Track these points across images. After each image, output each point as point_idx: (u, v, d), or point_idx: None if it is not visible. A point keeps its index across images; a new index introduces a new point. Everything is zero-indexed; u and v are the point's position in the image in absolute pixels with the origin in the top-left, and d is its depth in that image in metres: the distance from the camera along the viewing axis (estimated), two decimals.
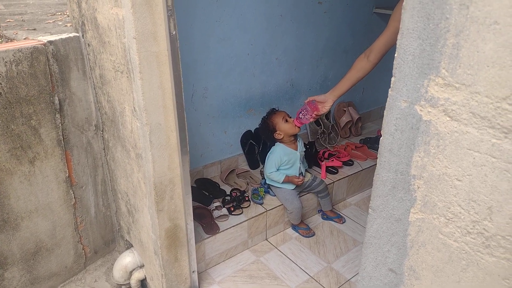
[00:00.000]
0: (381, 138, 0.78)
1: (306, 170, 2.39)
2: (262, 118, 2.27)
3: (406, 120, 0.72)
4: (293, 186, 2.22)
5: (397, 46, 0.70)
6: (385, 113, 0.76)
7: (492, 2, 0.55)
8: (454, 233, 0.69)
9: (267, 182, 2.31)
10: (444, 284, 0.74)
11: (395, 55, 0.70)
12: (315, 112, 1.86)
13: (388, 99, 0.74)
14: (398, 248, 0.81)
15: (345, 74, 1.80)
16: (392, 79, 0.72)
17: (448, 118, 0.65)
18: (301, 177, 2.22)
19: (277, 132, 2.17)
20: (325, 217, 2.38)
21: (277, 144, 2.21)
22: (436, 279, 0.75)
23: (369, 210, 0.86)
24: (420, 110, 0.69)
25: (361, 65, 1.71)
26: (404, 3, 0.67)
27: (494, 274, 0.65)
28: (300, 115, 1.96)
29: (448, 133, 0.66)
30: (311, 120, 1.94)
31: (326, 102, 1.84)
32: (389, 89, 0.73)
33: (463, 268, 0.69)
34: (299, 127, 2.09)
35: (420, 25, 0.65)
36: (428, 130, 0.68)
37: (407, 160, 0.74)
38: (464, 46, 0.60)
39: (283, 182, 2.20)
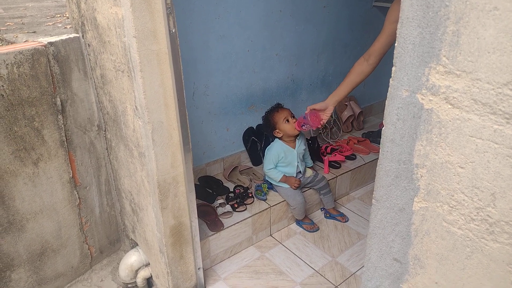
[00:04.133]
0: (383, 128, 0.78)
1: (311, 167, 2.39)
2: (266, 112, 2.27)
3: (408, 109, 0.72)
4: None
5: (397, 35, 0.70)
6: (386, 103, 0.76)
7: None
8: (458, 220, 0.69)
9: (266, 178, 2.32)
10: (448, 272, 0.74)
11: (395, 44, 0.71)
12: (320, 122, 1.87)
13: (389, 88, 0.74)
14: (402, 237, 0.81)
15: (345, 78, 1.79)
16: (393, 68, 0.72)
17: (449, 106, 0.65)
18: (299, 180, 2.21)
19: (277, 130, 2.18)
20: (328, 215, 2.37)
21: (276, 140, 2.22)
22: (440, 267, 0.75)
23: (373, 200, 0.86)
24: (422, 98, 0.69)
25: (361, 69, 1.72)
26: None
27: (498, 260, 0.65)
28: (304, 127, 1.96)
29: (450, 121, 0.66)
30: (314, 129, 1.95)
31: (327, 109, 1.85)
32: (390, 79, 0.73)
33: (467, 255, 0.70)
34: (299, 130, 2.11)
35: (420, 13, 0.65)
36: (430, 118, 0.69)
37: (410, 149, 0.74)
38: (464, 33, 0.60)
39: (279, 181, 2.21)
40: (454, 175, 0.68)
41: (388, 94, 0.75)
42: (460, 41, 0.61)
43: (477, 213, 0.66)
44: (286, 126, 2.14)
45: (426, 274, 0.79)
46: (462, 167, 0.66)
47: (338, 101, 1.83)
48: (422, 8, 0.64)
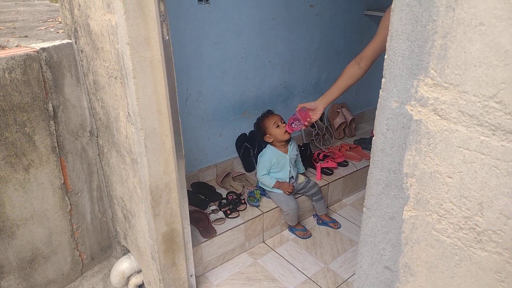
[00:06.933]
0: (373, 138, 0.80)
1: (303, 174, 2.41)
2: (257, 119, 2.29)
3: (397, 120, 0.73)
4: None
5: (386, 47, 0.71)
6: (376, 113, 0.77)
7: (477, 3, 0.57)
8: (447, 229, 0.71)
9: (259, 185, 2.32)
10: (438, 280, 0.75)
11: (385, 56, 0.72)
12: (307, 119, 1.88)
13: (379, 99, 0.76)
14: (393, 245, 0.83)
15: (336, 80, 1.80)
16: (383, 80, 0.74)
17: (438, 117, 0.66)
18: (292, 185, 2.23)
19: (267, 135, 2.19)
20: (320, 222, 2.38)
21: (268, 146, 2.24)
22: (430, 275, 0.76)
23: (364, 209, 0.87)
24: (411, 109, 0.70)
25: (352, 72, 1.73)
26: (392, 6, 0.68)
27: (486, 268, 0.66)
28: (293, 125, 1.97)
29: (438, 132, 0.67)
30: (303, 128, 1.96)
31: (317, 109, 1.86)
32: (380, 90, 0.75)
33: (456, 263, 0.71)
34: (289, 133, 2.11)
35: (409, 27, 0.67)
36: (419, 129, 0.70)
37: (399, 159, 0.75)
38: (452, 47, 0.61)
39: (273, 187, 2.21)
40: (443, 185, 0.69)
41: (378, 104, 0.76)
42: (447, 55, 0.62)
43: (465, 222, 0.67)
44: (276, 131, 2.16)
45: (417, 282, 0.80)
46: (450, 177, 0.67)
47: (328, 103, 1.84)
48: (411, 22, 0.66)
